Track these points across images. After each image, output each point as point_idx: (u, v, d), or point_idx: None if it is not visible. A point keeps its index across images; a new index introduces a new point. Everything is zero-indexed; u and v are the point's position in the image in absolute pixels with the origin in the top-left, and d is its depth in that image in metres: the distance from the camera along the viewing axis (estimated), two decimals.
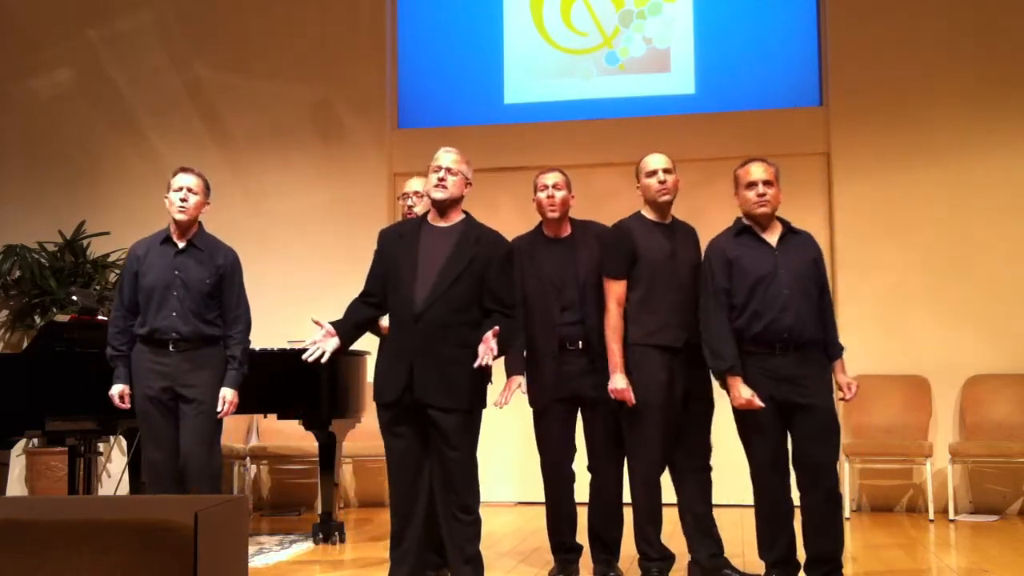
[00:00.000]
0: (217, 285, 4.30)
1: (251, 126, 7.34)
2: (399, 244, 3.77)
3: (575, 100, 7.17)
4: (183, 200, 4.25)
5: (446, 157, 3.76)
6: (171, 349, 4.21)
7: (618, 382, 3.92)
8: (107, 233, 7.28)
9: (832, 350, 3.91)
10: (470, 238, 3.74)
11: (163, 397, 4.21)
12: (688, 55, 7.07)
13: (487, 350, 3.55)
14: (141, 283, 4.28)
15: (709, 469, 4.10)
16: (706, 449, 4.09)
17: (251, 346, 4.48)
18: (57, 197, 7.45)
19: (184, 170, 4.34)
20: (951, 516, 5.99)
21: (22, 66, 7.65)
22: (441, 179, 3.72)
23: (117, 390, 4.29)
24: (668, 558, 4.09)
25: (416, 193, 4.41)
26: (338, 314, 3.83)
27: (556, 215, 4.15)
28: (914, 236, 6.48)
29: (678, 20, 7.10)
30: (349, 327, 3.78)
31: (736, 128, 6.74)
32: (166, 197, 4.32)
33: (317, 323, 3.71)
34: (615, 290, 4.01)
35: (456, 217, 3.80)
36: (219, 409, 4.22)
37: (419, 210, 4.31)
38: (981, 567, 4.43)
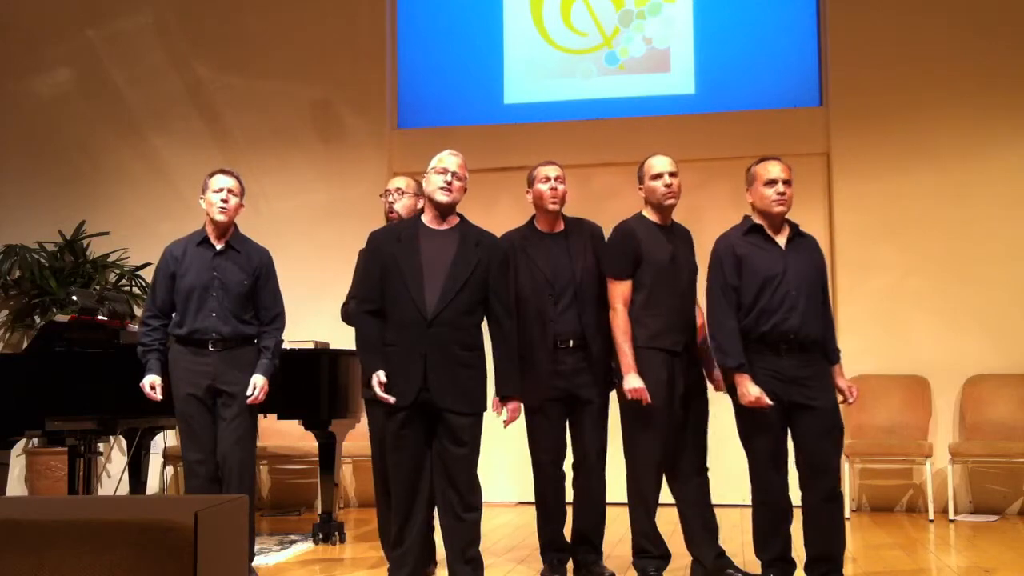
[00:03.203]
0: (254, 286, 4.32)
1: (251, 126, 7.34)
2: (397, 246, 3.74)
3: (575, 100, 7.17)
4: (224, 201, 4.23)
5: (453, 160, 3.76)
6: (210, 349, 4.22)
7: (633, 381, 3.87)
8: (107, 233, 7.29)
9: (831, 354, 3.91)
10: (470, 241, 3.75)
11: (205, 397, 4.21)
12: (688, 55, 7.07)
13: (497, 405, 3.81)
14: (179, 284, 4.27)
15: (707, 470, 4.09)
16: (704, 450, 4.09)
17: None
18: (57, 197, 7.45)
19: (223, 172, 4.32)
20: (951, 516, 6.00)
21: (22, 66, 7.65)
22: (448, 183, 3.72)
23: (148, 380, 4.26)
24: (666, 556, 4.08)
25: (398, 190, 4.36)
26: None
27: (558, 207, 4.13)
28: (914, 236, 6.48)
29: (678, 20, 7.10)
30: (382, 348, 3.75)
31: (736, 128, 6.74)
32: (202, 198, 4.29)
33: (380, 383, 3.65)
34: (621, 291, 3.98)
35: (453, 220, 3.81)
36: (248, 395, 4.20)
37: (399, 207, 4.30)
38: (981, 567, 4.43)
